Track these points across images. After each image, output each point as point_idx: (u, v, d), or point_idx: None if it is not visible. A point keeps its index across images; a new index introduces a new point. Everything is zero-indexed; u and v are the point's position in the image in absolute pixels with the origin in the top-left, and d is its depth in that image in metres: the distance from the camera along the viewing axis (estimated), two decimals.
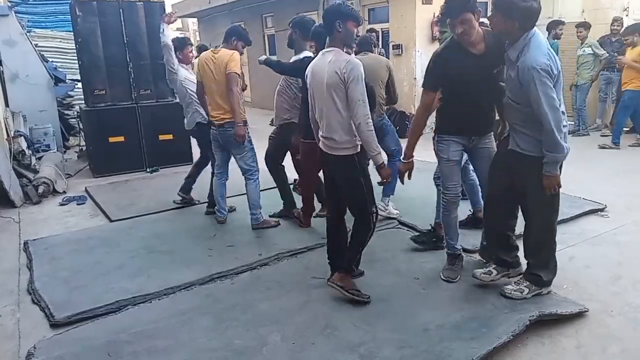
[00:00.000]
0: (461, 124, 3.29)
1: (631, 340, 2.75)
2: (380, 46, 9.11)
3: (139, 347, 2.82)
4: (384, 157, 3.28)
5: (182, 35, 5.44)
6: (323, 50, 3.15)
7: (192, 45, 5.09)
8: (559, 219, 4.32)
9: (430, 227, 4.04)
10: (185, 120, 4.99)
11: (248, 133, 4.40)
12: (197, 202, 5.32)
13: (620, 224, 4.36)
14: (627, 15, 8.17)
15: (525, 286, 3.14)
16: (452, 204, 3.45)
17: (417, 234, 4.12)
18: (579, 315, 2.97)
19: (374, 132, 3.00)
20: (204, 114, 4.69)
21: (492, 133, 3.43)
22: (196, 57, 5.06)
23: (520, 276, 3.25)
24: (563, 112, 2.90)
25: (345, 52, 3.11)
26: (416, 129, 3.37)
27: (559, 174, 2.94)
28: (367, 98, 2.97)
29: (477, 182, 3.82)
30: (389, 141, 4.59)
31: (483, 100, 3.24)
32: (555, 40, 7.85)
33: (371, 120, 2.99)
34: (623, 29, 7.48)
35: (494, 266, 3.32)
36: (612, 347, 2.71)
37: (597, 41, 8.15)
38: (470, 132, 3.32)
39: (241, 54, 4.45)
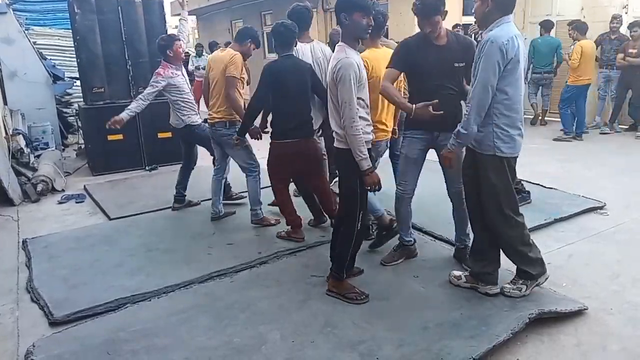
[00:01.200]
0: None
1: (630, 338, 2.75)
2: None
3: (138, 345, 2.82)
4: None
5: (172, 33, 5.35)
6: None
7: (179, 40, 4.99)
8: (559, 216, 4.39)
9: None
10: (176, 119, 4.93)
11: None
12: (198, 202, 5.26)
13: (619, 221, 4.36)
14: (626, 13, 8.15)
15: (521, 284, 3.13)
16: (401, 199, 3.55)
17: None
18: (579, 313, 2.97)
19: (359, 136, 2.90)
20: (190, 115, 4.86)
21: None
22: (189, 55, 5.10)
23: (515, 275, 3.22)
24: (515, 111, 2.89)
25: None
26: (394, 93, 3.36)
27: (459, 153, 3.11)
28: (353, 100, 2.88)
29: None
30: None
31: (444, 93, 3.27)
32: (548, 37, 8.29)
33: (357, 124, 2.90)
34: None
35: (466, 274, 3.30)
36: (611, 345, 2.71)
37: (596, 39, 8.17)
38: (432, 126, 3.34)
39: (250, 55, 4.50)
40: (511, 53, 2.76)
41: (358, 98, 2.96)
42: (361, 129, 2.93)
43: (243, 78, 4.47)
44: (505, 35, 2.75)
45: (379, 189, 3.04)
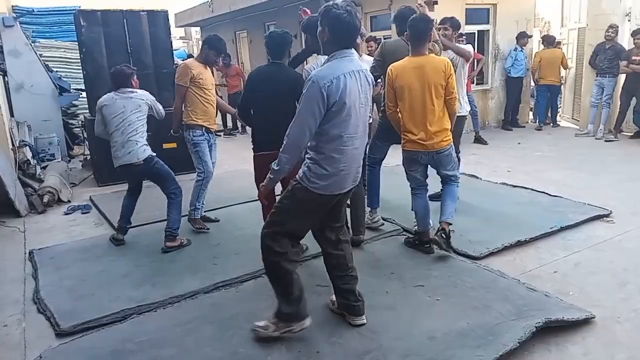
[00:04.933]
0: None
1: (638, 347, 2.73)
2: None
3: (144, 356, 2.83)
4: None
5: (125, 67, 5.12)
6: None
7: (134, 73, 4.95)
8: (565, 224, 4.39)
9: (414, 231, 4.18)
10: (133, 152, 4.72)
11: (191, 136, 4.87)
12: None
13: (625, 229, 4.34)
14: (629, 21, 8.17)
15: (272, 323, 2.88)
16: None
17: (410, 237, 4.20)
18: (586, 321, 2.96)
19: None
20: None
21: None
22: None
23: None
24: (340, 152, 2.67)
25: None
26: None
27: (270, 187, 2.87)
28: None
29: None
30: None
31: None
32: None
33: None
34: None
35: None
36: (619, 354, 2.69)
37: (595, 49, 8.21)
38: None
39: (212, 62, 4.74)
40: (334, 95, 2.53)
41: None
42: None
43: (198, 82, 4.66)
44: (330, 75, 2.54)
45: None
